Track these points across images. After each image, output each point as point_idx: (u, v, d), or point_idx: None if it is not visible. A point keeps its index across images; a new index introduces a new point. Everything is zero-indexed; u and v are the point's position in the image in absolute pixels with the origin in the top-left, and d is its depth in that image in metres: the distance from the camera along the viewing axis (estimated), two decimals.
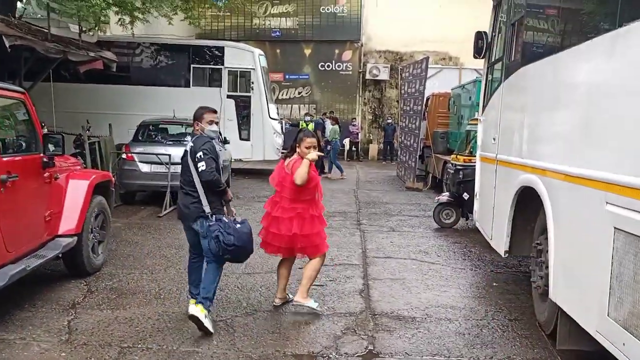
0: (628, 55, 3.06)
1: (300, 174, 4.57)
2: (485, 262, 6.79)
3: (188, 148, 4.54)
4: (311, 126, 15.32)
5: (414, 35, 21.44)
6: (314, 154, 4.66)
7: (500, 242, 5.33)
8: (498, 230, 5.42)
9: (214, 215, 4.40)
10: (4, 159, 4.22)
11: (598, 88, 3.46)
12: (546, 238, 4.18)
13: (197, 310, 4.25)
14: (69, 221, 5.23)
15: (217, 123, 4.76)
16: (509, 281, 6.04)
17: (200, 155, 4.36)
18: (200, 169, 4.35)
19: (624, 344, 2.88)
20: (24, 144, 4.85)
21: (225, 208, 4.65)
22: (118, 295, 5.16)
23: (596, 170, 3.25)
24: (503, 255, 5.32)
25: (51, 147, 4.93)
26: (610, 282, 3.02)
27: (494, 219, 5.64)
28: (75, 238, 5.26)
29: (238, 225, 4.44)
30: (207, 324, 4.28)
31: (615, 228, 2.99)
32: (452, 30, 20.55)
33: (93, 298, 5.07)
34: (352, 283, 5.79)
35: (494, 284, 5.93)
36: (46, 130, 9.96)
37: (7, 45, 9.21)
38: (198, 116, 4.67)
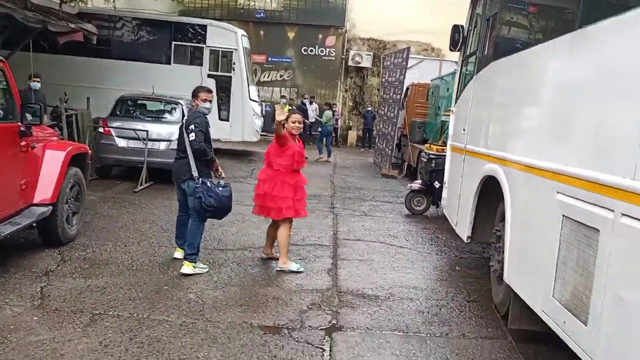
0: (581, 58, 3.26)
1: (275, 127, 5.40)
2: (451, 247, 7.04)
3: (184, 120, 5.46)
4: (286, 108, 15.41)
5: (397, 25, 21.54)
6: (282, 115, 5.36)
7: (463, 228, 5.57)
8: (462, 217, 5.65)
9: (199, 179, 5.18)
10: None
11: (553, 86, 3.68)
12: (505, 225, 4.40)
13: (186, 268, 5.20)
14: (44, 190, 5.30)
15: (210, 101, 5.56)
16: (472, 266, 6.29)
17: (192, 127, 5.19)
18: (190, 139, 5.18)
19: (564, 322, 3.11)
20: (1, 112, 4.89)
21: (213, 174, 5.48)
22: (91, 265, 5.27)
23: (549, 162, 3.46)
24: (466, 241, 5.56)
25: (29, 116, 4.98)
26: (557, 266, 3.25)
27: (459, 206, 5.86)
28: (50, 207, 5.34)
29: (219, 189, 5.23)
30: (199, 269, 5.26)
31: (563, 215, 3.21)
32: (436, 22, 20.71)
33: (66, 267, 5.17)
34: (321, 262, 5.98)
35: (457, 268, 6.19)
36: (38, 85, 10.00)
37: None
38: (195, 94, 5.49)
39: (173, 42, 14.53)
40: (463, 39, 6.41)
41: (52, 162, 5.43)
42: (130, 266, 5.34)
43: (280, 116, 5.38)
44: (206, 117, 5.44)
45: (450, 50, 6.59)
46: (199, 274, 5.23)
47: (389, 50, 20.29)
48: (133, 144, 9.69)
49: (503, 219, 4.51)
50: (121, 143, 9.75)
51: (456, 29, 6.46)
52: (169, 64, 14.43)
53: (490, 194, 5.02)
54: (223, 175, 5.63)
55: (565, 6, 3.74)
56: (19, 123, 4.87)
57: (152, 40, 14.69)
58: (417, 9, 21.19)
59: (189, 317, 4.25)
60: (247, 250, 6.18)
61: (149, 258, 5.64)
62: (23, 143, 4.95)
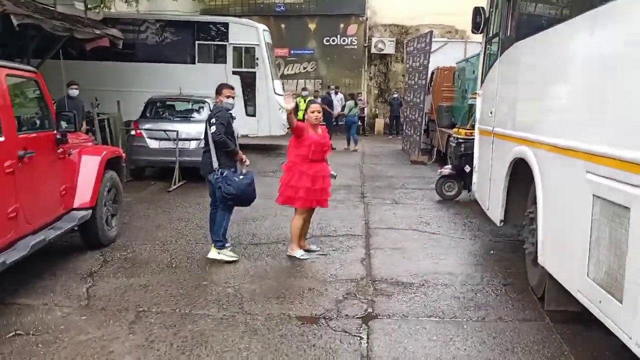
0: (604, 34, 3.23)
1: (287, 120, 5.59)
2: (485, 232, 7.02)
3: (208, 116, 5.80)
4: (308, 99, 15.50)
5: (419, 9, 21.30)
6: (289, 104, 5.41)
7: (496, 211, 5.55)
8: (494, 201, 5.64)
9: (219, 170, 5.46)
10: (20, 135, 4.45)
11: (579, 64, 3.65)
12: (536, 207, 4.39)
13: (212, 253, 5.61)
14: (83, 195, 5.50)
15: (233, 97, 5.88)
16: (506, 249, 6.27)
17: (213, 121, 5.50)
18: (211, 131, 5.47)
19: (600, 302, 3.11)
20: (38, 122, 5.08)
21: (239, 165, 5.73)
22: (132, 265, 5.45)
23: (578, 142, 3.44)
24: (498, 224, 5.55)
25: (64, 124, 5.16)
26: (590, 246, 3.24)
27: (490, 190, 5.85)
28: (90, 211, 5.54)
29: (240, 177, 5.52)
30: (224, 256, 5.58)
31: (594, 195, 3.19)
32: (458, 3, 20.41)
33: (109, 267, 5.37)
34: (354, 252, 6.05)
35: (492, 252, 6.18)
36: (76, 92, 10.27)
37: (15, 24, 9.40)
38: (219, 90, 5.80)
39: (196, 42, 14.71)
40: (485, 21, 6.35)
41: (89, 167, 5.63)
42: (169, 264, 5.51)
43: (288, 105, 5.41)
44: (228, 112, 5.72)
45: (473, 32, 6.55)
46: (227, 261, 5.53)
47: (411, 35, 20.14)
48: (164, 144, 9.91)
49: (535, 201, 4.49)
50: (153, 144, 9.98)
51: (477, 11, 6.40)
52: (194, 63, 14.63)
53: (521, 176, 5.00)
54: (247, 163, 5.84)
55: None
56: (55, 131, 5.05)
57: (176, 41, 14.88)
58: None
59: (228, 310, 4.38)
60: (281, 244, 6.28)
61: (187, 255, 5.80)
62: (60, 150, 5.14)
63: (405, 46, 17.95)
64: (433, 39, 14.19)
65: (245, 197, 5.57)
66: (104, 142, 10.99)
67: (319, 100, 16.38)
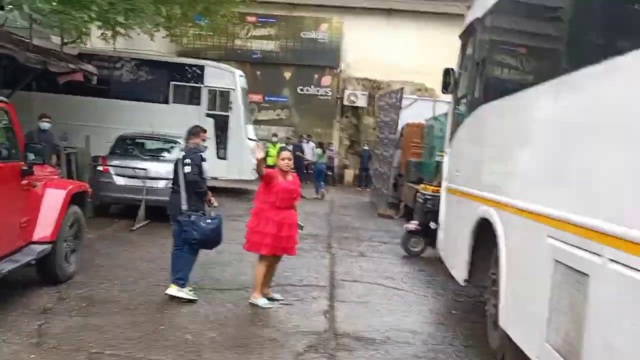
0: (567, 103, 3.41)
1: (256, 168, 5.67)
2: (448, 290, 7.07)
3: (180, 156, 5.86)
4: (278, 146, 15.67)
5: (391, 65, 22.01)
6: (259, 154, 5.68)
7: (460, 271, 5.62)
8: (458, 259, 5.71)
9: (187, 212, 5.56)
10: None
11: (542, 129, 3.82)
12: (499, 268, 4.47)
13: (171, 290, 5.56)
14: (44, 228, 5.36)
15: (204, 140, 6.14)
16: (469, 309, 6.32)
17: (187, 162, 5.65)
18: (185, 171, 5.61)
19: None
20: (4, 151, 4.97)
21: (207, 207, 5.87)
22: (89, 304, 5.28)
23: (539, 205, 3.57)
24: (462, 284, 5.61)
25: (31, 156, 5.08)
26: (549, 311, 3.31)
27: (455, 249, 5.94)
28: (50, 245, 5.40)
29: (207, 221, 5.61)
30: (184, 294, 5.55)
31: (554, 260, 3.29)
32: (429, 63, 21.18)
33: (64, 305, 5.19)
34: (318, 304, 6.00)
35: (454, 311, 6.21)
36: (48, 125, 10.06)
37: None
38: (196, 132, 6.04)
39: (171, 82, 14.77)
40: (454, 82, 6.61)
41: (53, 200, 5.51)
42: (127, 305, 5.36)
43: (258, 154, 5.63)
44: (201, 154, 5.90)
45: (442, 92, 6.81)
46: (185, 300, 5.53)
47: (383, 90, 20.68)
48: (132, 182, 9.80)
49: (498, 263, 4.58)
50: (120, 181, 9.86)
51: (447, 72, 6.67)
52: (168, 103, 14.65)
53: (485, 236, 5.10)
54: (215, 205, 6.05)
55: (551, 51, 3.90)
56: (22, 162, 4.96)
57: (151, 80, 14.91)
58: (411, 50, 21.71)
59: (185, 357, 4.26)
60: (244, 290, 6.18)
61: (147, 297, 5.66)
62: (25, 182, 5.04)
63: (376, 100, 18.41)
64: (404, 96, 14.60)
65: (210, 241, 5.69)
66: (69, 176, 10.79)
67: (291, 147, 16.62)
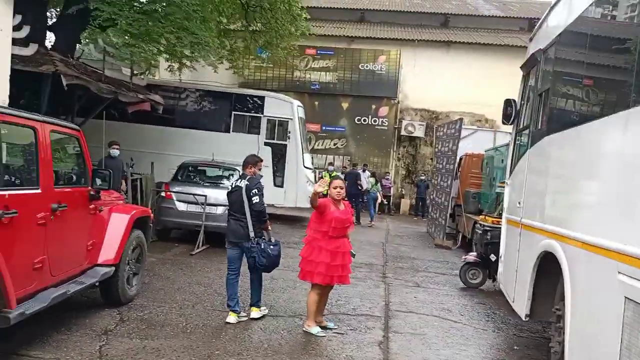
0: (635, 137, 3.25)
1: (310, 197, 5.65)
2: (509, 325, 6.80)
3: (243, 185, 5.94)
4: (334, 174, 15.75)
5: (450, 96, 21.87)
6: (320, 187, 5.55)
7: (521, 305, 5.39)
8: (520, 293, 5.49)
9: (255, 239, 5.81)
10: (56, 189, 4.59)
11: (611, 162, 3.64)
12: (564, 304, 4.26)
13: (255, 313, 5.96)
14: (108, 251, 5.56)
15: (260, 169, 6.31)
16: (531, 346, 6.04)
17: (254, 192, 5.84)
18: (254, 201, 5.82)
19: None
20: (74, 177, 5.24)
21: (265, 233, 6.05)
22: (148, 326, 5.40)
23: (609, 240, 3.39)
24: (524, 319, 5.36)
25: (99, 181, 5.31)
26: (620, 352, 3.11)
27: (516, 282, 5.72)
28: (113, 268, 5.58)
29: (271, 247, 5.85)
30: (265, 311, 6.07)
31: (626, 298, 3.10)
32: (489, 94, 20.89)
33: (124, 327, 5.33)
34: (372, 334, 5.90)
35: (515, 347, 5.95)
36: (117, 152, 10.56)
37: (65, 84, 9.93)
38: (253, 162, 6.15)
39: (233, 112, 15.22)
40: (515, 113, 6.46)
41: (117, 224, 5.72)
42: (184, 329, 5.44)
43: (318, 188, 5.53)
44: (261, 183, 6.16)
45: (503, 123, 6.66)
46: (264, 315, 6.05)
47: (441, 121, 20.52)
48: (192, 208, 10.05)
49: (563, 298, 4.37)
50: (181, 207, 10.14)
51: (508, 103, 6.53)
52: (229, 132, 15.07)
53: (549, 270, 4.89)
54: (270, 228, 6.22)
55: (619, 83, 3.75)
56: (90, 187, 5.20)
57: (213, 110, 15.44)
58: (470, 81, 21.51)
59: None
60: (298, 318, 6.17)
61: (203, 321, 5.73)
62: (92, 206, 5.27)
63: (435, 131, 18.27)
64: (463, 126, 14.39)
65: (273, 265, 5.96)
66: (134, 201, 11.23)
67: (343, 175, 16.76)
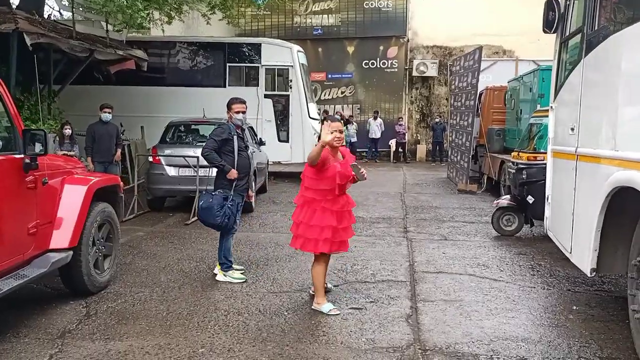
0: None
1: (310, 154, 4.40)
2: (559, 278, 5.67)
3: None
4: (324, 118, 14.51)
5: (463, 29, 20.11)
6: (328, 136, 4.34)
7: (584, 258, 4.22)
8: (581, 243, 4.32)
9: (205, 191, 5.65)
10: None
11: None
12: None
13: (219, 275, 5.44)
14: (62, 233, 4.45)
15: (244, 112, 5.58)
16: (593, 304, 4.91)
17: (207, 138, 5.48)
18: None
19: None
20: None
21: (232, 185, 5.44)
22: (118, 321, 4.35)
23: None
24: (589, 275, 4.19)
25: (38, 146, 4.16)
26: None
27: (574, 229, 4.53)
28: (70, 253, 4.49)
29: (203, 199, 5.37)
30: (231, 278, 5.37)
31: None
32: (506, 23, 19.24)
33: (88, 324, 4.28)
34: (397, 306, 4.79)
35: (574, 307, 4.81)
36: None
37: (29, 43, 8.73)
38: (228, 105, 5.55)
39: (227, 64, 13.92)
40: (560, 16, 5.12)
41: (72, 198, 4.60)
42: (163, 320, 4.38)
43: (327, 136, 4.34)
44: (230, 127, 5.48)
45: (545, 32, 5.30)
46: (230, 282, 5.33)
47: (455, 56, 18.91)
48: (184, 172, 8.95)
49: None
50: (172, 172, 9.05)
51: (550, 6, 5.18)
52: (224, 86, 13.79)
53: (623, 211, 3.72)
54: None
55: None
56: (22, 155, 4.05)
57: (206, 64, 14.22)
58: (484, 11, 19.73)
59: None
60: (306, 292, 5.09)
61: (189, 308, 4.67)
62: (29, 178, 4.13)
63: (450, 66, 16.76)
64: (482, 58, 12.92)
65: (202, 220, 5.42)
66: (124, 168, 10.19)
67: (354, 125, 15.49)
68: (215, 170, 8.52)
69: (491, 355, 3.78)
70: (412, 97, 21.85)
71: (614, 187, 3.66)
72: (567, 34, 5.07)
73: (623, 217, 3.83)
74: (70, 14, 11.24)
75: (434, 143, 20.51)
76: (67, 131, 9.64)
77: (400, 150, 20.63)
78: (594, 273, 4.14)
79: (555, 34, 5.31)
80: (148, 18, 12.28)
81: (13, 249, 3.95)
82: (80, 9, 10.65)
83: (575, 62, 4.69)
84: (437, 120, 20.24)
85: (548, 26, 5.21)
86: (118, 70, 12.26)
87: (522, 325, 4.38)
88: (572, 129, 4.63)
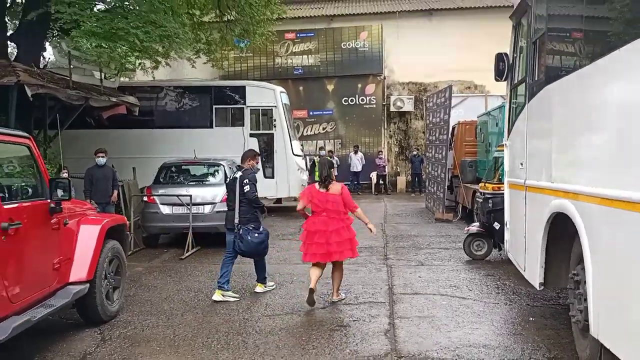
0: None
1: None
2: (521, 295, 6.36)
3: (238, 176, 6.46)
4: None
5: (436, 66, 21.24)
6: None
7: (534, 273, 4.94)
8: (531, 261, 5.04)
9: (239, 226, 6.30)
10: (5, 206, 4.08)
11: (620, 104, 3.16)
12: (583, 268, 3.81)
13: (218, 296, 6.33)
14: (80, 268, 5.07)
15: (258, 162, 6.91)
16: (547, 315, 5.61)
17: (246, 181, 6.35)
18: (245, 190, 6.32)
19: None
20: (29, 190, 4.73)
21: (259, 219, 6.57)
22: (131, 344, 4.93)
23: (630, 191, 2.92)
24: (538, 288, 4.91)
25: (59, 192, 4.81)
26: None
27: (526, 249, 5.26)
28: (87, 285, 5.09)
29: (254, 235, 6.32)
30: (229, 297, 6.31)
31: None
32: (475, 59, 20.31)
33: (105, 348, 4.86)
34: (377, 323, 5.45)
35: (531, 318, 5.51)
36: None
37: (29, 94, 9.37)
38: (251, 156, 6.76)
39: (214, 106, 14.64)
40: (509, 67, 5.97)
41: (87, 237, 5.23)
42: (172, 342, 4.98)
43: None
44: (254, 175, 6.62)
45: (496, 80, 6.14)
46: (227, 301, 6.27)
47: (430, 92, 19.95)
48: (177, 210, 9.56)
49: (580, 261, 3.92)
50: (165, 210, 9.64)
51: (500, 57, 6.03)
52: (212, 127, 14.51)
53: (561, 233, 4.45)
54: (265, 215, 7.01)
55: (620, 15, 3.26)
56: (49, 200, 4.69)
57: (193, 106, 14.90)
58: (456, 49, 20.85)
59: None
60: (296, 314, 5.73)
61: (192, 331, 5.27)
62: (54, 220, 4.76)
63: (424, 102, 17.72)
64: (453, 94, 13.87)
65: (255, 252, 6.43)
66: (117, 208, 10.73)
67: (335, 159, 16.11)
68: (207, 207, 9.23)
69: (455, 359, 4.43)
70: (390, 131, 22.78)
71: (552, 213, 4.40)
72: (515, 81, 5.90)
73: (562, 238, 4.55)
74: (64, 60, 11.94)
75: (412, 174, 21.34)
76: (64, 175, 10.22)
77: (381, 182, 21.40)
78: (542, 287, 4.86)
79: (506, 82, 6.15)
80: (140, 67, 12.98)
81: (42, 282, 4.56)
82: (75, 60, 11.32)
83: (522, 106, 5.50)
84: (414, 152, 21.10)
85: (499, 75, 6.05)
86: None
87: (484, 334, 5.05)
88: (521, 164, 5.41)
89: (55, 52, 12.67)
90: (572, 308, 4.43)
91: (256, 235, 6.31)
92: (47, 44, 13.22)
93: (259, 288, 6.62)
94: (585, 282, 3.81)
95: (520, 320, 5.48)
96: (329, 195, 5.91)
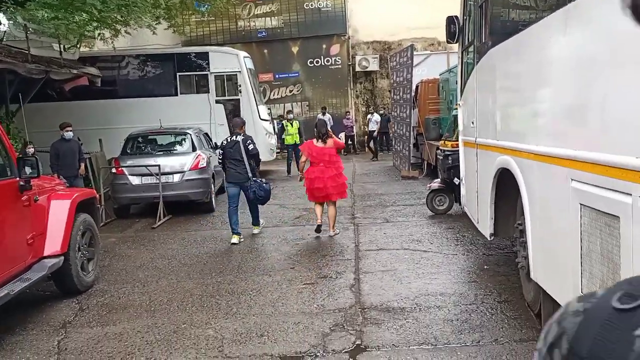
0: (580, 32, 3.03)
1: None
2: (478, 245, 6.78)
3: (239, 139, 7.56)
4: (296, 124, 15.37)
5: (400, 24, 21.28)
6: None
7: (485, 225, 5.32)
8: (483, 214, 5.40)
9: (253, 179, 7.43)
10: None
11: (555, 67, 3.44)
12: (524, 219, 4.16)
13: (256, 230, 8.00)
14: (53, 242, 5.24)
15: None
16: (501, 263, 6.02)
17: (249, 142, 7.57)
18: (250, 148, 7.49)
19: None
20: None
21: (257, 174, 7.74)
22: (109, 311, 5.17)
23: (560, 148, 3.23)
24: (489, 238, 5.30)
25: (27, 169, 4.92)
26: (581, 259, 3.00)
27: (478, 203, 5.62)
28: (62, 258, 5.28)
29: (265, 184, 7.54)
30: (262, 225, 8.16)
31: (580, 204, 2.97)
32: (439, 15, 20.42)
33: (84, 316, 5.09)
34: (343, 278, 5.79)
35: (485, 267, 5.92)
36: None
37: None
38: (242, 123, 8.06)
39: (177, 74, 14.56)
40: (459, 30, 6.19)
41: (58, 212, 5.38)
42: (148, 307, 5.23)
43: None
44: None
45: (448, 42, 6.41)
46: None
47: (394, 50, 20.06)
48: (147, 180, 9.67)
49: (524, 213, 4.26)
50: (135, 181, 9.74)
51: (451, 20, 6.25)
52: (176, 95, 14.46)
53: (508, 187, 4.78)
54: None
55: None
56: (17, 178, 4.81)
57: (157, 74, 14.80)
58: (418, 6, 20.92)
59: (207, 355, 4.11)
60: (267, 275, 6.02)
61: (167, 296, 5.52)
62: (24, 198, 4.89)
63: (388, 62, 17.87)
64: (415, 53, 14.07)
65: (267, 198, 7.62)
66: (86, 181, 10.78)
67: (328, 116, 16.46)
68: (177, 176, 9.36)
69: (414, 307, 4.82)
70: (357, 91, 22.93)
71: (498, 168, 4.73)
72: (466, 44, 6.14)
73: (509, 192, 4.89)
74: (21, 33, 11.69)
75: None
76: (31, 150, 10.18)
77: (349, 142, 21.67)
78: (492, 237, 5.24)
79: (457, 44, 6.38)
80: (99, 37, 12.78)
81: (17, 258, 4.73)
82: (32, 32, 11.11)
83: (471, 68, 5.77)
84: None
85: (450, 37, 6.29)
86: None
87: (441, 284, 5.44)
88: (473, 123, 5.71)
89: (10, 25, 12.34)
90: (518, 255, 4.82)
91: (265, 184, 7.52)
92: (1, 15, 12.87)
93: (256, 230, 7.90)
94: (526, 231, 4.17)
95: (475, 269, 5.89)
96: (325, 149, 7.39)
